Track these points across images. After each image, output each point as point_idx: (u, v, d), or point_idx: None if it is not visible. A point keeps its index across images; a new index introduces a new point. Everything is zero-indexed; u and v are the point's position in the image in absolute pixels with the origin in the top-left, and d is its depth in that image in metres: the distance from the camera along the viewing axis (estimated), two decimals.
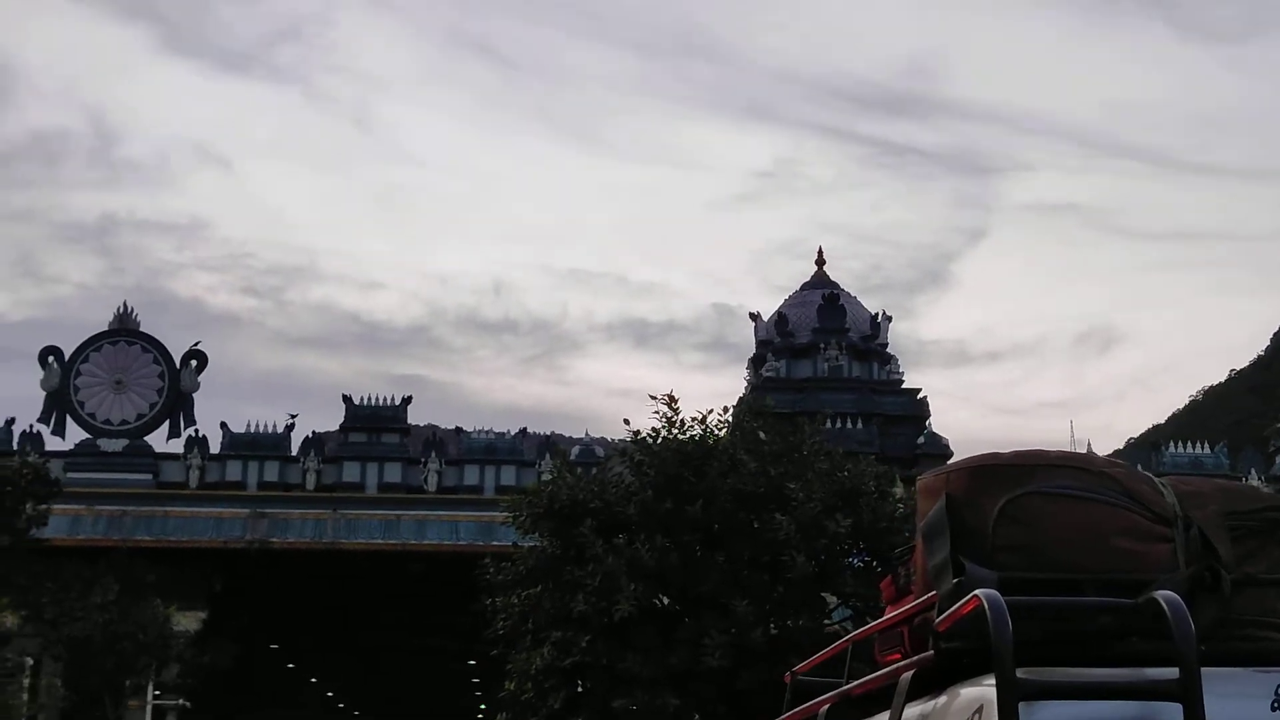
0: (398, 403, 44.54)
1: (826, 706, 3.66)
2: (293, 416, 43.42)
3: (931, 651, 2.93)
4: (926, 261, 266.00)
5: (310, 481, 42.66)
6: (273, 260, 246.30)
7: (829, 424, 40.16)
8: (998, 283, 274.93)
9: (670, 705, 22.76)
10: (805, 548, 23.22)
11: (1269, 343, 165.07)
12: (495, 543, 38.10)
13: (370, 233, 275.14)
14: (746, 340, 48.99)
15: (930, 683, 3.00)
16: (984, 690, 2.77)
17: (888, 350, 47.58)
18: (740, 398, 43.13)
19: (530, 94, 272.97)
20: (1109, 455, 42.77)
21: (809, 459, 25.36)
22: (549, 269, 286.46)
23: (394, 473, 43.22)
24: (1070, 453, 3.47)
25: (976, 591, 2.72)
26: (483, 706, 67.28)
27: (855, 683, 3.48)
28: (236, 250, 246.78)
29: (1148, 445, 49.33)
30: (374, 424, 43.70)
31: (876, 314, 48.08)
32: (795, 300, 49.02)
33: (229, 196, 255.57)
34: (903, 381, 47.06)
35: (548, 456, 42.59)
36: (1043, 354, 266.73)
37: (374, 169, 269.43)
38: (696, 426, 25.29)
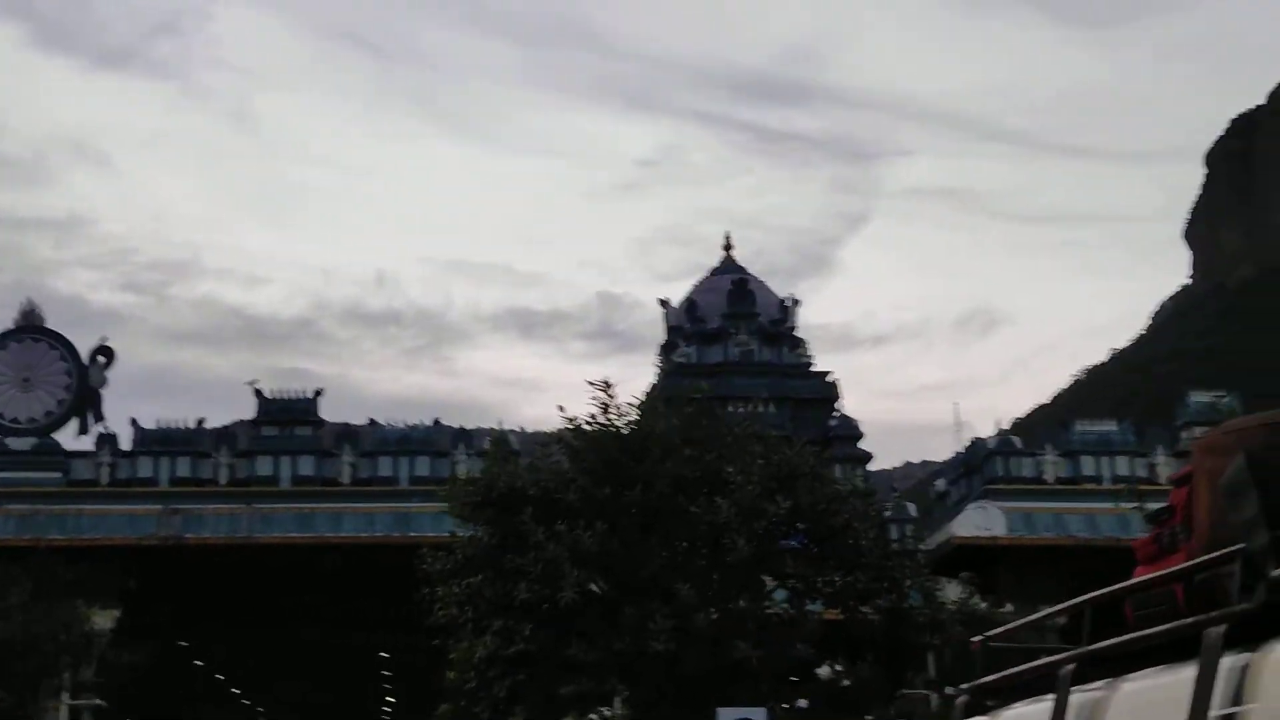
0: (309, 395, 44.11)
1: (1070, 666, 3.61)
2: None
3: (1244, 605, 3.04)
4: (809, 247, 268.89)
5: (223, 476, 42.21)
6: (155, 256, 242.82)
7: (741, 408, 40.51)
8: (880, 267, 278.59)
9: (617, 690, 22.95)
10: (745, 530, 23.47)
11: (1149, 321, 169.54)
12: (411, 533, 37.97)
13: (252, 227, 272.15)
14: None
15: (1228, 640, 3.11)
16: None
17: (796, 334, 47.88)
18: (652, 384, 43.37)
19: (410, 87, 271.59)
20: (996, 435, 43.11)
21: (742, 442, 25.62)
22: (431, 260, 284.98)
23: (308, 466, 42.87)
24: None
25: None
26: (389, 699, 66.85)
27: (1128, 636, 3.31)
28: (117, 247, 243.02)
29: (1054, 422, 50.15)
30: (286, 417, 43.27)
31: (785, 298, 48.32)
32: (705, 286, 49.16)
33: (109, 193, 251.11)
34: (812, 365, 47.42)
35: (461, 446, 42.48)
36: (926, 337, 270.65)
37: (254, 163, 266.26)
38: (633, 412, 25.46)
